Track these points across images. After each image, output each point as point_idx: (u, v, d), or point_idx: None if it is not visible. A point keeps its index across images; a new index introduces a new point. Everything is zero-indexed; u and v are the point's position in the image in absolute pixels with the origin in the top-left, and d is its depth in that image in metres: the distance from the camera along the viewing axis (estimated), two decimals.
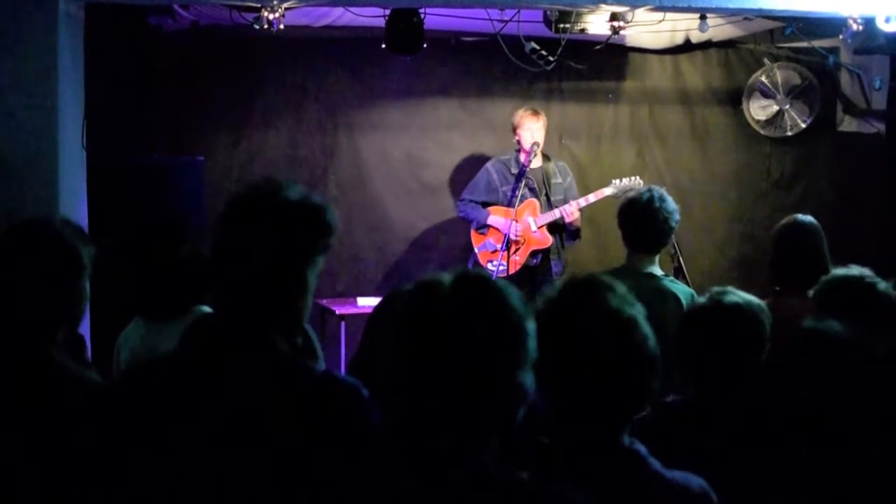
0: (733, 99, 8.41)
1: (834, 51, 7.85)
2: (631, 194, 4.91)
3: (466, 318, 1.83)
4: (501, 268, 7.07)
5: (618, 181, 7.31)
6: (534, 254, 7.34)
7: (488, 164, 7.60)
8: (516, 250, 7.23)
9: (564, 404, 2.16)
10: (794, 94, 8.13)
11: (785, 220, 5.03)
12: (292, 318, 2.24)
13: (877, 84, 7.86)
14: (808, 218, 4.97)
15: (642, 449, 2.19)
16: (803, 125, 8.19)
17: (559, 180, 7.47)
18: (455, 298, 1.85)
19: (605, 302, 2.17)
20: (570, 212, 7.21)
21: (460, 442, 1.86)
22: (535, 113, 7.37)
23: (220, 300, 2.24)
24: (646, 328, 2.18)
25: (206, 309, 3.75)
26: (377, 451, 1.97)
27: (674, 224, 4.71)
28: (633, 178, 7.30)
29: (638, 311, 2.20)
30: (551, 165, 7.50)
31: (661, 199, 4.69)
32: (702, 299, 3.07)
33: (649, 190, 4.76)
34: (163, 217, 4.04)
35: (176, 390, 2.16)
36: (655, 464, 2.18)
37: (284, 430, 2.09)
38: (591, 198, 7.32)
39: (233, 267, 2.19)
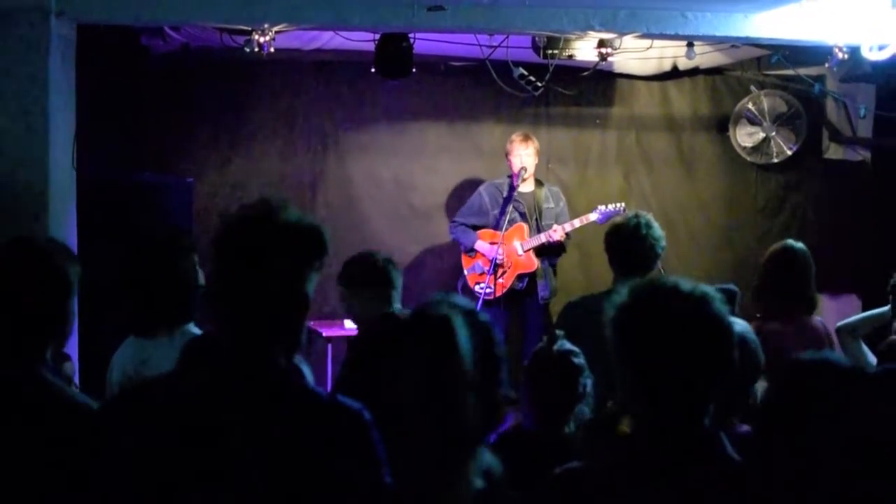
0: (720, 125, 8.47)
1: (820, 79, 7.91)
2: (618, 219, 4.93)
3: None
4: (488, 290, 7.09)
5: (602, 207, 7.34)
6: (520, 277, 7.37)
7: (481, 187, 7.65)
8: (502, 274, 7.25)
9: (650, 395, 2.27)
10: (781, 121, 8.19)
11: (776, 246, 5.05)
12: (292, 337, 2.24)
13: (862, 112, 7.93)
14: (799, 244, 4.99)
15: (722, 436, 2.31)
16: (789, 152, 8.25)
17: (551, 205, 7.51)
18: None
19: (683, 293, 2.31)
20: (555, 237, 7.26)
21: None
22: (526, 139, 7.42)
23: (220, 322, 2.22)
24: (722, 308, 2.30)
25: (193, 328, 3.77)
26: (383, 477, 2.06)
27: (660, 250, 4.73)
28: (617, 204, 7.33)
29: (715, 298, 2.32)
30: (543, 191, 7.54)
31: (648, 226, 4.71)
32: None
33: (636, 216, 4.78)
34: (159, 233, 4.04)
35: (176, 412, 2.13)
36: (731, 451, 2.30)
37: (289, 455, 2.08)
38: (576, 223, 7.37)
39: (232, 289, 2.18)
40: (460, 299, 2.23)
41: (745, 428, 3.09)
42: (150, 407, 2.17)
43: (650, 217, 4.78)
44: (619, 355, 2.32)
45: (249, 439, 2.08)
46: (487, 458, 2.11)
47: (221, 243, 2.21)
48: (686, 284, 2.33)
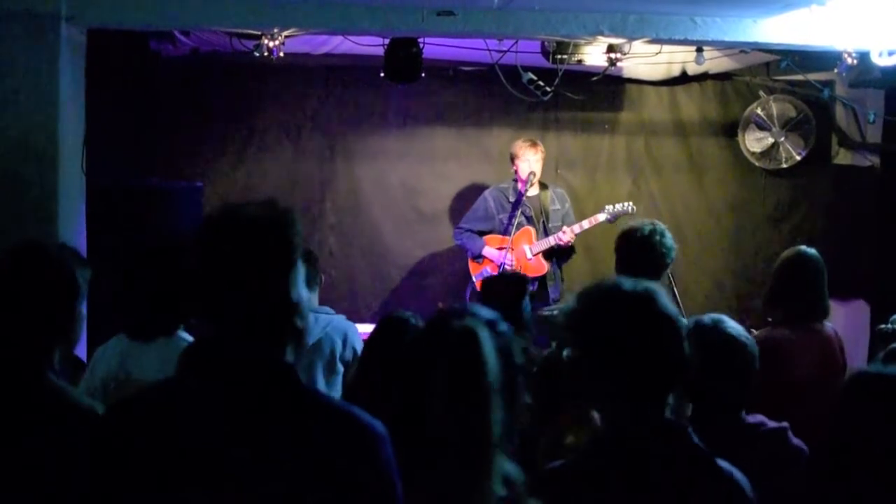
0: (729, 131, 8.45)
1: (829, 84, 7.90)
2: (633, 223, 4.92)
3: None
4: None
5: (611, 207, 7.33)
6: (530, 282, 7.35)
7: (486, 192, 7.64)
8: None
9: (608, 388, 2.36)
10: (790, 126, 8.18)
11: (789, 252, 5.03)
12: (291, 331, 2.17)
13: (871, 118, 7.91)
14: (812, 250, 4.97)
15: (686, 425, 2.41)
16: (798, 157, 8.23)
17: (557, 207, 7.50)
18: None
19: (626, 292, 2.39)
20: (565, 239, 7.23)
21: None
22: (534, 144, 7.41)
23: (211, 326, 2.17)
24: (668, 306, 2.39)
25: (184, 334, 3.80)
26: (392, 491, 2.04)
27: (669, 261, 4.72)
28: (626, 203, 7.31)
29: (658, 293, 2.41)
30: (548, 193, 7.53)
31: (661, 234, 4.71)
32: (701, 322, 3.24)
33: (652, 223, 4.78)
34: (168, 239, 4.08)
35: (180, 416, 2.10)
36: (696, 439, 2.38)
37: (297, 461, 2.04)
38: (585, 224, 7.33)
39: (212, 292, 2.14)
40: (481, 309, 2.23)
41: (757, 418, 3.22)
42: (155, 411, 2.14)
43: (664, 227, 4.78)
44: (575, 355, 2.43)
45: (254, 443, 2.05)
46: (508, 465, 2.10)
47: (196, 246, 2.18)
48: (628, 283, 2.42)
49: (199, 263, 2.16)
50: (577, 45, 6.49)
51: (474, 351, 2.06)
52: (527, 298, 4.83)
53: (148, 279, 3.82)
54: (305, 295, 2.19)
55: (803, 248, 4.97)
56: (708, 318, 3.28)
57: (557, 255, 7.43)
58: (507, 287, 4.90)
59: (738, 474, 2.39)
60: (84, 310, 2.87)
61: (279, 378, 2.13)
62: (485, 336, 2.07)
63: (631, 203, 7.34)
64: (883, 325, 4.59)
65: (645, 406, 2.34)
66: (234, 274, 2.11)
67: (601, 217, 7.32)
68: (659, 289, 2.42)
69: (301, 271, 2.18)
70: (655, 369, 2.33)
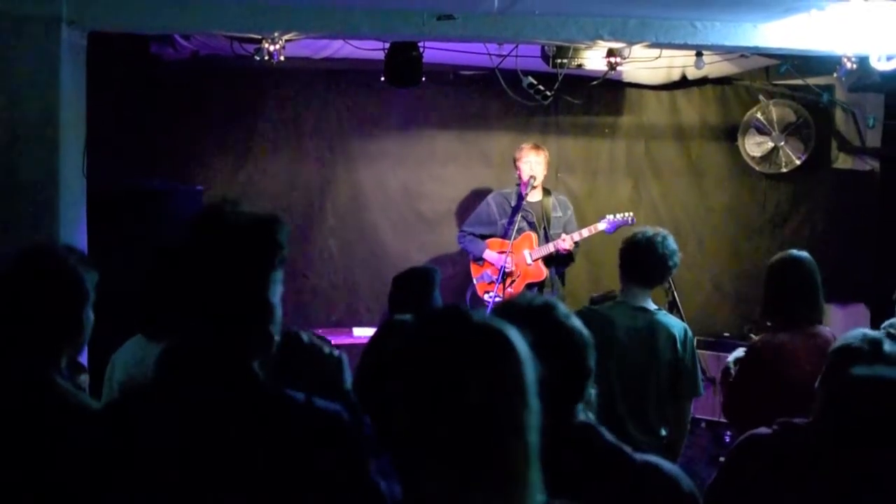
0: (729, 135, 8.47)
1: (829, 88, 7.92)
2: (637, 229, 4.93)
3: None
4: (497, 299, 7.09)
5: (611, 216, 7.32)
6: (529, 286, 7.36)
7: (489, 197, 7.64)
8: (511, 283, 7.25)
9: None
10: (789, 130, 8.19)
11: (779, 256, 5.02)
12: (259, 337, 2.19)
13: (871, 122, 7.93)
14: (803, 253, 4.96)
15: (593, 420, 2.48)
16: (798, 162, 8.25)
17: (559, 214, 7.50)
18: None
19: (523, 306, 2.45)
20: (563, 246, 7.24)
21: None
22: (537, 148, 7.41)
23: (180, 329, 2.20)
24: (573, 321, 2.44)
25: None
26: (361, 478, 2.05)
27: (671, 265, 4.72)
28: (626, 214, 7.30)
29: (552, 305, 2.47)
30: (551, 199, 7.53)
31: (664, 238, 4.73)
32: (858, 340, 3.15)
33: (655, 230, 4.80)
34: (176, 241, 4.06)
35: (157, 422, 2.13)
36: (611, 437, 2.45)
37: (263, 459, 2.07)
38: (585, 232, 7.33)
39: (185, 296, 2.17)
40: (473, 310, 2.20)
41: None
42: (133, 419, 2.16)
43: (667, 232, 4.79)
44: None
45: (228, 446, 2.08)
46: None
47: (174, 251, 2.19)
48: (526, 296, 2.51)
49: (182, 262, 2.18)
50: (577, 50, 6.49)
51: (511, 354, 1.95)
52: (436, 292, 4.85)
53: (163, 280, 3.81)
54: (278, 303, 2.21)
55: (792, 252, 4.96)
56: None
57: (556, 261, 7.44)
58: (416, 281, 4.92)
59: (666, 466, 2.43)
60: (91, 314, 2.88)
61: (247, 380, 2.15)
62: (515, 336, 1.97)
63: (631, 214, 7.30)
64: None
65: (555, 412, 2.29)
66: (214, 273, 2.14)
67: (601, 226, 7.30)
68: (558, 301, 2.47)
69: (280, 278, 2.21)
70: (557, 376, 2.29)
